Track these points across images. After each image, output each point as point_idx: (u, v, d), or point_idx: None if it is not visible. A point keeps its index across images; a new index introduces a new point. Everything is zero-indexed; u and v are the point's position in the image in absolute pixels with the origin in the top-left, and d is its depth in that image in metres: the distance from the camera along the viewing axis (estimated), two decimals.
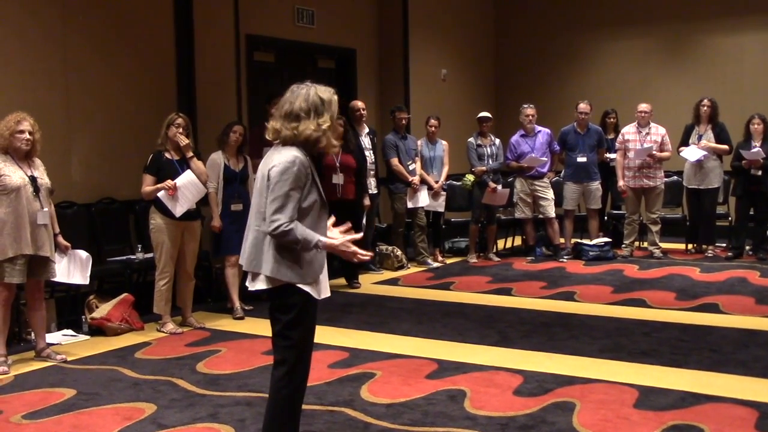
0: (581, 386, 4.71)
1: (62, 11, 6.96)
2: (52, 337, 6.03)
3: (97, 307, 6.42)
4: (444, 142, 9.50)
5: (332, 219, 3.52)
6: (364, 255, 3.41)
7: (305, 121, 3.32)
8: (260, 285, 3.35)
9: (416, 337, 6.07)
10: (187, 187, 6.19)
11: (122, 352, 5.76)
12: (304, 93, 3.35)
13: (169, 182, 6.13)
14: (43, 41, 6.82)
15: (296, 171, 3.24)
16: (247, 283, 3.49)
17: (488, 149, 9.44)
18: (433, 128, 9.37)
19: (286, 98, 3.37)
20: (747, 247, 9.37)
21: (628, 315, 6.60)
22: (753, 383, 4.73)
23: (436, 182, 9.30)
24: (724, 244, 9.67)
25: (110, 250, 7.16)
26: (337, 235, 3.41)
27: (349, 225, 3.54)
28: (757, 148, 8.79)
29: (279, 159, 3.28)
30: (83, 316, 6.45)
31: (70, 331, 6.31)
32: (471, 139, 9.48)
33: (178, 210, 6.17)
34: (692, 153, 9.18)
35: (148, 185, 6.22)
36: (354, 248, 3.37)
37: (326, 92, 3.39)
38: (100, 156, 7.27)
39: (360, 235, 3.43)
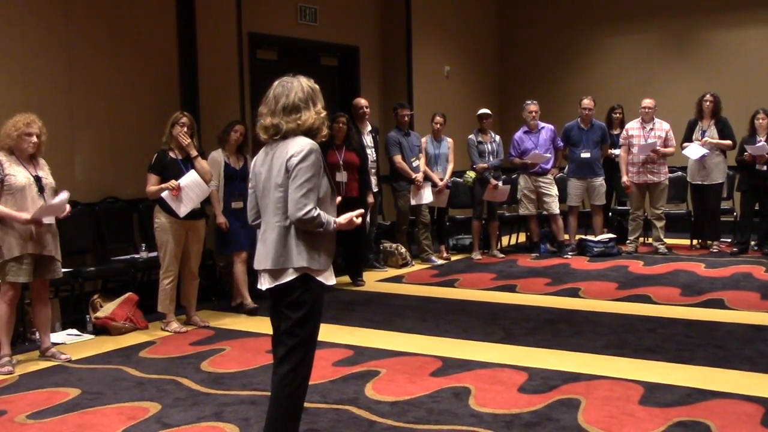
0: (586, 383, 4.70)
1: (66, 10, 6.95)
2: (56, 337, 6.04)
3: (101, 306, 6.42)
4: (449, 140, 9.49)
5: (338, 199, 3.59)
6: (357, 216, 3.46)
7: (306, 111, 3.38)
8: (288, 278, 3.34)
9: (420, 334, 6.06)
10: (191, 187, 6.18)
11: (126, 352, 5.76)
12: (297, 85, 3.40)
13: (173, 182, 6.12)
14: (46, 40, 6.81)
15: (315, 158, 3.32)
16: (260, 285, 3.47)
17: (489, 146, 9.43)
18: (438, 125, 9.35)
19: (278, 93, 3.40)
20: (752, 243, 9.34)
21: (633, 311, 6.58)
22: (759, 379, 4.71)
23: (441, 179, 9.29)
24: (729, 240, 9.64)
25: (114, 249, 7.16)
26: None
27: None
28: (762, 142, 8.75)
29: (296, 148, 3.32)
30: (87, 316, 6.44)
31: (74, 331, 6.32)
32: (471, 136, 9.47)
33: (182, 210, 6.16)
34: (694, 151, 9.15)
35: (152, 185, 6.21)
36: (349, 214, 3.44)
37: (311, 82, 3.47)
38: (104, 155, 7.27)
39: (359, 212, 3.48)
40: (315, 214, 3.27)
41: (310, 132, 3.39)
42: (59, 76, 6.92)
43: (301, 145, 3.32)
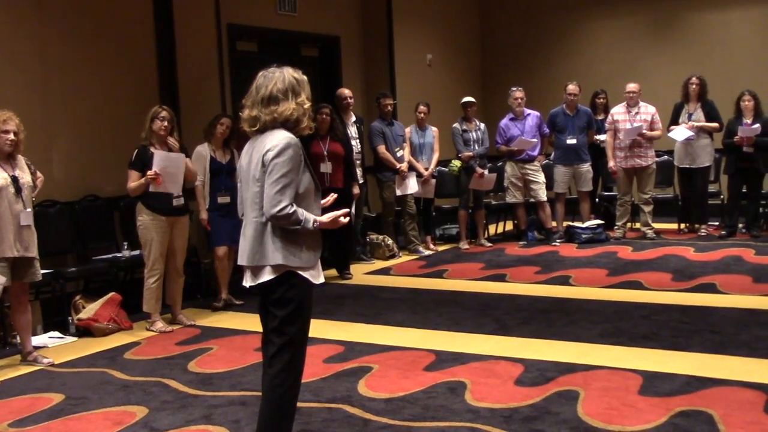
0: (583, 373, 4.61)
1: (38, 5, 6.76)
2: (38, 340, 5.89)
3: (83, 307, 6.26)
4: (434, 129, 9.38)
5: (333, 197, 3.51)
6: (344, 216, 3.34)
7: (284, 102, 3.25)
8: (266, 276, 3.24)
9: (412, 327, 5.95)
10: (166, 165, 5.99)
11: (111, 353, 5.62)
12: (279, 75, 3.28)
13: (149, 172, 5.96)
14: (19, 36, 6.61)
15: (292, 152, 3.18)
16: (245, 282, 3.37)
17: (474, 134, 9.34)
18: (422, 114, 9.25)
19: (260, 84, 3.29)
20: (740, 225, 9.30)
21: (626, 298, 6.51)
22: (758, 365, 4.63)
23: (426, 169, 9.18)
24: (717, 223, 9.60)
25: (95, 249, 6.99)
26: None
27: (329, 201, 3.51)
28: (756, 124, 8.69)
29: (273, 142, 3.20)
30: (70, 317, 6.29)
31: (56, 333, 6.16)
32: (456, 125, 9.37)
33: (175, 189, 6.03)
34: (680, 133, 9.10)
35: (133, 181, 6.07)
36: (334, 213, 3.31)
37: (298, 73, 3.35)
38: (82, 152, 7.09)
39: (345, 211, 3.35)
40: (290, 211, 3.14)
41: (288, 123, 3.26)
42: (33, 72, 6.71)
43: (278, 139, 3.19)
